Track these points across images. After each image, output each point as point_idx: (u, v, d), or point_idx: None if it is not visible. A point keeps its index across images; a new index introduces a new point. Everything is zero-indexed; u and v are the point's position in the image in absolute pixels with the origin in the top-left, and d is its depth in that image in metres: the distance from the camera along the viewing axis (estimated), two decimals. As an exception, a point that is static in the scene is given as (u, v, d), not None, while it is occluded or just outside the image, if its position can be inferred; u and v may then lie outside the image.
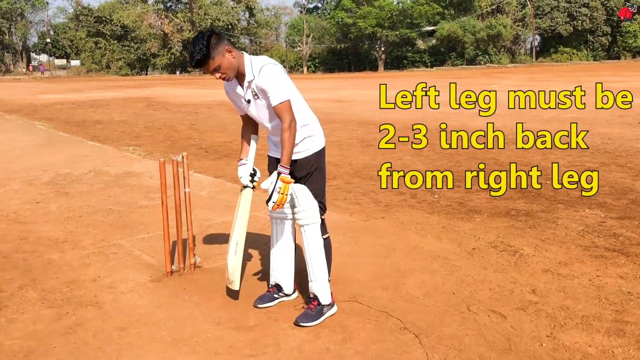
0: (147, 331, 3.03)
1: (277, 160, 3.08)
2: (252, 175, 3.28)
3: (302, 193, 3.07)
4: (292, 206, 3.20)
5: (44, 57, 76.44)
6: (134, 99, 21.85)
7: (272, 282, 3.38)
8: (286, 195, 2.91)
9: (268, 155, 3.32)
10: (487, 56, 53.09)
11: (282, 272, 3.33)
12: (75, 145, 10.09)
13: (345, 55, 59.32)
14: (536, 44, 57.34)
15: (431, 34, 56.22)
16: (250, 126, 3.32)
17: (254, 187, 3.30)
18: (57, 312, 3.28)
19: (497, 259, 3.92)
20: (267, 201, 2.93)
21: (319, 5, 74.10)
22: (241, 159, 3.32)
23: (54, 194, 6.27)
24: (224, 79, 2.99)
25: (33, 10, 71.90)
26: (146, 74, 62.16)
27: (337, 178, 6.70)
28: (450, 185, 6.15)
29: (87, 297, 3.50)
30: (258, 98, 3.03)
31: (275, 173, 2.98)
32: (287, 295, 3.36)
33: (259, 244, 4.42)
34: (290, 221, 3.28)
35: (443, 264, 3.86)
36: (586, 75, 29.41)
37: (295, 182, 3.15)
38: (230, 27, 58.04)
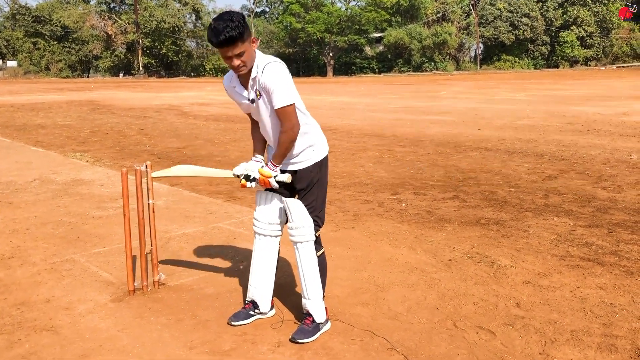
0: (113, 358, 2.75)
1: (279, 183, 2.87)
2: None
3: (296, 209, 2.87)
4: (283, 223, 3.01)
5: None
6: (78, 102, 21.01)
7: (248, 298, 3.16)
8: (267, 186, 2.86)
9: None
10: (433, 63, 54.11)
11: (261, 289, 3.11)
12: (17, 151, 9.51)
13: (294, 60, 59.18)
14: (480, 52, 58.87)
15: (379, 40, 56.86)
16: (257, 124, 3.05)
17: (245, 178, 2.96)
18: (8, 339, 2.95)
19: (475, 270, 3.82)
20: (246, 179, 2.88)
21: (267, 9, 73.82)
22: (255, 156, 3.05)
23: (-4, 205, 5.81)
24: (239, 68, 2.70)
25: (-34, 8, 68.50)
26: (88, 76, 60.20)
27: (300, 186, 6.51)
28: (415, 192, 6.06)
29: (41, 320, 3.17)
30: (261, 97, 2.79)
31: (255, 163, 2.92)
32: (262, 313, 3.14)
33: (227, 258, 4.18)
34: (276, 238, 3.08)
35: (421, 277, 3.73)
36: (530, 83, 30.35)
37: (294, 194, 2.97)
38: (176, 29, 56.94)
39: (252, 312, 3.12)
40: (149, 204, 3.55)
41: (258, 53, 2.79)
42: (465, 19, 56.20)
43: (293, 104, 2.75)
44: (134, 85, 39.08)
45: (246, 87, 2.83)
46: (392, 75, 50.93)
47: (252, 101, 2.84)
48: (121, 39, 56.51)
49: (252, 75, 2.77)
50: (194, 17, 61.41)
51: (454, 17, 55.34)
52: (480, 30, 56.10)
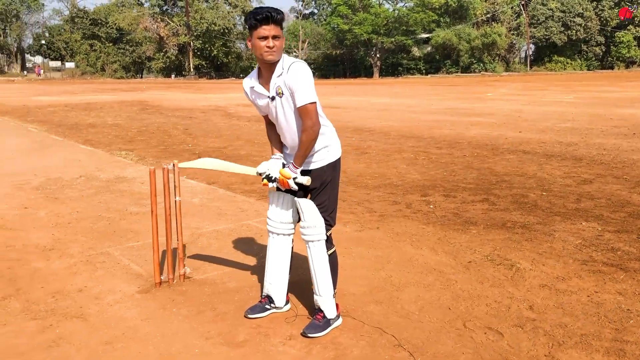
0: (134, 346, 2.93)
1: (300, 173, 2.98)
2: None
3: (308, 209, 2.98)
4: (295, 221, 3.12)
5: (38, 59, 76.07)
6: (128, 103, 21.72)
7: (264, 293, 3.30)
8: (286, 187, 2.96)
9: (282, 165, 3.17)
10: (481, 64, 53.30)
11: (276, 285, 3.24)
12: (67, 149, 9.97)
13: (340, 61, 59.40)
14: (530, 52, 57.58)
15: (426, 41, 56.40)
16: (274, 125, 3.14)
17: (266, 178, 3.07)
18: (41, 324, 3.18)
19: (494, 272, 3.84)
20: (267, 179, 3.00)
21: (315, 11, 74.26)
22: (274, 154, 3.16)
23: (43, 199, 6.15)
24: (271, 51, 2.78)
25: (28, 12, 71.64)
26: (141, 77, 61.97)
27: (331, 186, 6.61)
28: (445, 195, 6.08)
29: (73, 308, 3.39)
30: (283, 96, 2.88)
31: (275, 161, 3.02)
32: (278, 307, 3.27)
33: (253, 254, 4.32)
34: (289, 237, 3.20)
35: (438, 278, 3.78)
36: (581, 85, 29.53)
37: (307, 194, 3.07)
38: (226, 31, 57.99)
39: (267, 306, 3.25)
40: (175, 201, 3.73)
41: (284, 55, 2.91)
42: (516, 20, 55.07)
43: (315, 103, 2.84)
44: (184, 86, 40.04)
45: (265, 85, 2.94)
46: (440, 77, 50.45)
47: (272, 99, 2.93)
48: (173, 40, 57.97)
49: (277, 74, 2.87)
50: (243, 19, 62.36)
51: (504, 17, 54.32)
52: (531, 31, 54.89)
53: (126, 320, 3.24)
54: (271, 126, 3.15)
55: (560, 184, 6.51)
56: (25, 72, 69.93)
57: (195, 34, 56.98)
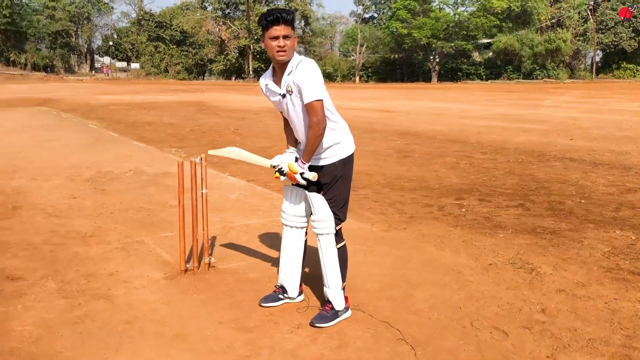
0: (151, 326, 3.11)
1: (311, 168, 3.09)
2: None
3: (319, 203, 3.08)
4: (307, 215, 3.23)
5: (106, 60, 79.35)
6: (187, 103, 22.40)
7: (278, 283, 3.42)
8: (294, 180, 3.06)
9: None
10: (544, 71, 51.85)
11: (289, 276, 3.36)
12: (121, 145, 10.44)
13: (398, 65, 59.13)
14: (597, 59, 55.53)
15: (487, 46, 55.36)
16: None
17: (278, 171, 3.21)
18: (70, 303, 3.41)
19: (512, 276, 3.83)
20: (279, 172, 3.13)
21: (375, 15, 74.17)
22: (288, 148, 3.29)
23: (91, 191, 6.50)
24: (282, 50, 2.91)
25: (99, 15, 74.90)
26: (203, 79, 63.63)
27: (366, 187, 6.69)
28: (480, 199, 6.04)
29: (101, 290, 3.62)
30: (292, 94, 3.00)
31: (288, 155, 3.13)
32: (291, 298, 3.38)
33: (277, 248, 4.46)
34: (302, 230, 3.31)
35: (455, 278, 3.80)
36: (647, 93, 28.31)
37: (319, 189, 3.16)
38: (285, 35, 58.69)
39: (281, 296, 3.37)
40: (202, 193, 3.91)
41: (295, 54, 3.03)
42: (582, 25, 53.20)
43: (321, 100, 2.93)
44: (243, 88, 40.88)
45: (278, 83, 3.07)
46: (500, 82, 49.43)
47: (283, 96, 3.05)
48: (234, 43, 59.29)
49: (287, 72, 2.99)
50: (302, 23, 63.04)
51: (569, 22, 52.59)
52: (598, 37, 52.92)
53: (148, 303, 3.43)
54: (287, 122, 3.27)
55: (601, 192, 6.35)
56: (93, 72, 73.07)
57: (255, 37, 58.03)
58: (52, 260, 4.16)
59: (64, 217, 5.39)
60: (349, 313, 3.21)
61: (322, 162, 3.11)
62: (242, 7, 61.64)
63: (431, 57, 55.11)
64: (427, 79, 55.81)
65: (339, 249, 3.15)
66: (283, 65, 2.98)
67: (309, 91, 2.90)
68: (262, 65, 60.14)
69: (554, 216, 5.35)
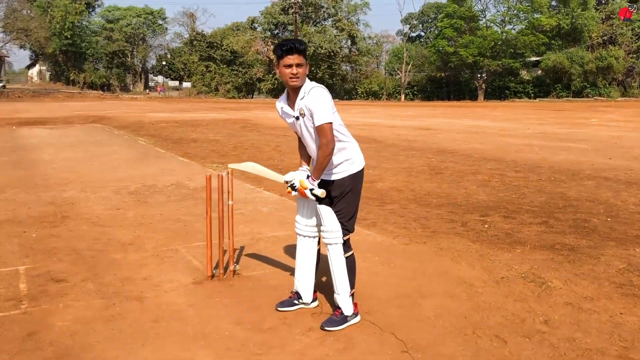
0: (175, 325, 3.40)
1: (323, 182, 3.37)
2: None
3: (327, 215, 3.33)
4: (319, 225, 3.48)
5: (160, 79, 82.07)
6: (233, 121, 23.05)
7: (294, 289, 3.67)
8: (304, 195, 3.26)
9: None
10: (595, 89, 50.63)
11: (303, 282, 3.60)
12: (166, 160, 10.95)
13: (445, 83, 58.86)
14: (653, 77, 53.83)
15: (536, 64, 54.51)
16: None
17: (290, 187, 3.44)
18: (106, 303, 3.74)
19: (522, 289, 3.95)
20: (291, 187, 3.34)
21: (422, 33, 74.23)
22: (302, 166, 3.55)
23: (134, 203, 6.93)
24: (295, 77, 3.21)
25: (153, 35, 77.75)
26: (251, 98, 64.94)
27: (394, 203, 6.88)
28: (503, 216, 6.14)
29: (134, 292, 3.94)
30: (304, 117, 3.28)
31: (301, 173, 3.34)
32: (305, 303, 3.62)
33: (293, 257, 4.70)
34: (314, 239, 3.56)
35: (466, 290, 3.96)
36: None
37: (329, 201, 3.40)
38: (332, 54, 59.50)
39: (295, 302, 3.62)
40: (229, 205, 4.21)
41: (307, 80, 3.31)
42: (636, 42, 51.75)
43: (330, 123, 3.21)
44: (288, 106, 41.44)
45: (292, 106, 3.35)
46: (548, 101, 48.54)
47: (297, 118, 3.34)
48: (281, 63, 60.29)
49: (300, 97, 3.28)
50: (349, 42, 63.73)
51: (622, 39, 51.27)
52: (653, 54, 51.36)
53: (175, 304, 3.73)
54: (300, 141, 3.54)
55: (630, 211, 6.34)
56: (147, 90, 75.65)
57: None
58: (92, 265, 4.53)
59: (107, 226, 5.79)
60: (357, 318, 3.42)
61: (332, 177, 3.37)
62: (290, 28, 62.83)
63: (478, 76, 54.66)
64: (473, 97, 55.32)
65: (347, 257, 3.37)
66: (296, 89, 3.27)
67: (319, 115, 3.17)
68: (309, 84, 60.88)
69: (576, 233, 5.41)
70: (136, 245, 5.10)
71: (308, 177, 3.37)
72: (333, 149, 3.22)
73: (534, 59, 53.03)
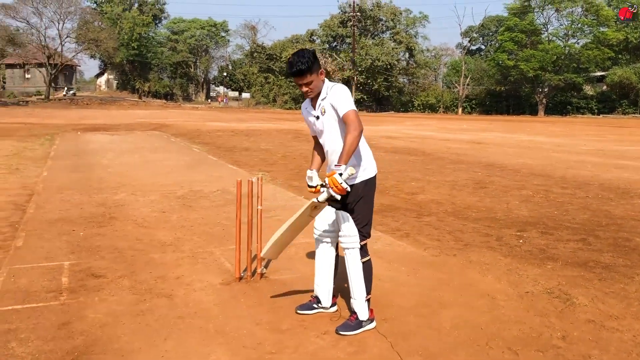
0: (198, 322, 3.57)
1: None
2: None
3: (345, 221, 3.43)
4: (337, 232, 3.58)
5: (221, 89, 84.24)
6: (286, 131, 23.42)
7: (314, 293, 3.77)
8: (338, 186, 3.14)
9: (324, 181, 3.68)
10: (665, 105, 48.55)
11: (322, 287, 3.70)
12: (216, 167, 11.30)
13: (504, 97, 57.73)
14: None
15: (600, 79, 52.73)
16: (320, 145, 3.67)
17: (315, 188, 3.58)
18: (138, 299, 3.96)
19: (545, 304, 3.92)
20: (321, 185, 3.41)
21: (483, 47, 73.18)
22: (312, 169, 3.70)
23: (179, 206, 7.21)
24: (308, 93, 3.42)
25: (216, 47, 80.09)
26: (308, 109, 65.56)
27: (432, 215, 6.88)
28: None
29: (166, 290, 4.15)
30: (325, 114, 3.43)
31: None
32: (324, 308, 3.72)
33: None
34: (332, 245, 3.66)
35: (488, 302, 3.95)
36: None
37: (344, 208, 3.50)
38: (389, 66, 59.48)
39: (315, 305, 3.72)
40: (258, 209, 4.37)
41: (326, 81, 3.45)
42: None
43: (355, 110, 3.32)
44: (343, 117, 41.66)
45: (314, 107, 3.51)
46: (613, 117, 46.84)
47: (317, 117, 3.49)
48: (338, 75, 60.80)
49: (322, 97, 3.44)
50: (407, 55, 63.56)
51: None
52: None
53: (201, 303, 3.91)
54: (317, 145, 3.69)
55: (677, 231, 6.11)
56: (209, 100, 77.81)
57: (359, 69, 59.25)
58: (131, 263, 4.78)
59: (151, 227, 6.07)
60: (373, 324, 3.49)
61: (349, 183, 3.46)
62: (348, 40, 63.29)
63: (539, 90, 53.33)
64: (533, 112, 54.02)
65: (363, 263, 3.45)
66: (316, 95, 3.42)
67: (343, 104, 3.31)
68: (365, 97, 61.16)
69: (614, 252, 5.28)
70: (174, 246, 5.33)
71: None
72: (361, 132, 3.30)
73: (598, 73, 51.37)
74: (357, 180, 3.46)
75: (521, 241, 5.66)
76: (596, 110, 51.81)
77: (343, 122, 3.34)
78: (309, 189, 3.68)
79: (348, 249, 3.43)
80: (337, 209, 3.49)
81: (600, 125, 32.83)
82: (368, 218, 3.49)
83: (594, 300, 4.00)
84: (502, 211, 7.16)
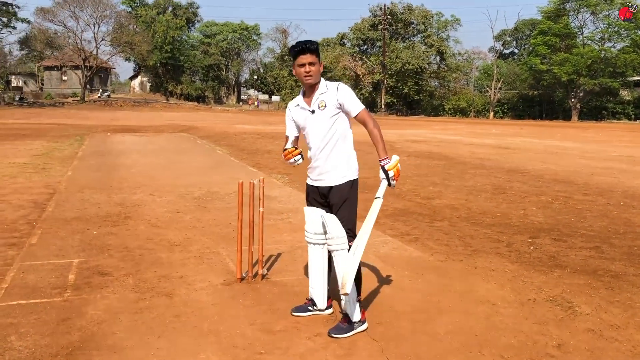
0: (193, 321, 3.62)
1: (316, 189, 3.52)
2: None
3: (331, 223, 3.45)
4: (325, 233, 3.59)
5: (252, 92, 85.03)
6: (311, 134, 23.42)
7: (309, 296, 3.79)
8: (396, 169, 3.39)
9: (307, 184, 3.74)
10: None
11: (317, 289, 3.71)
12: (236, 169, 11.40)
13: (537, 102, 56.76)
14: None
15: (638, 84, 51.41)
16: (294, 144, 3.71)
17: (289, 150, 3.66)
18: (138, 297, 4.03)
19: (546, 312, 3.85)
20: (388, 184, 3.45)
21: (516, 50, 72.16)
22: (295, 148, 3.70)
23: (194, 207, 7.31)
24: (308, 76, 3.43)
25: (247, 50, 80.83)
26: (337, 112, 65.66)
27: (444, 220, 6.82)
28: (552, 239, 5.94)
29: (167, 289, 4.21)
30: (324, 109, 3.47)
31: (381, 172, 3.43)
32: (320, 310, 3.72)
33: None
34: (323, 246, 3.67)
35: (487, 309, 3.90)
36: None
37: (329, 209, 3.54)
38: (419, 70, 59.11)
39: (310, 308, 3.73)
40: (259, 211, 4.40)
41: (323, 79, 3.50)
42: None
43: (366, 109, 3.50)
44: (371, 121, 41.55)
45: (308, 103, 3.53)
46: (650, 123, 45.62)
47: (313, 112, 3.50)
48: (368, 78, 60.74)
49: (321, 91, 3.48)
50: (438, 58, 63.07)
51: None
52: None
53: (200, 302, 3.96)
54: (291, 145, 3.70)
55: (697, 241, 5.93)
56: (240, 103, 78.57)
57: (389, 72, 59.04)
58: (138, 262, 4.87)
59: (163, 227, 6.17)
60: (364, 326, 3.48)
61: (332, 183, 3.50)
62: (378, 44, 63.15)
63: (572, 95, 52.29)
64: (567, 117, 52.97)
65: (353, 264, 3.45)
66: (313, 87, 3.47)
67: (356, 104, 3.44)
68: (394, 100, 60.91)
69: (627, 260, 5.15)
70: (182, 246, 5.40)
71: (382, 167, 3.41)
72: (378, 125, 3.45)
73: (636, 78, 50.07)
74: (344, 181, 3.50)
75: (532, 248, 5.57)
76: (633, 116, 50.55)
77: (358, 121, 3.47)
78: (283, 152, 3.70)
79: (336, 250, 3.44)
80: (325, 211, 3.52)
81: (634, 131, 32.02)
82: (354, 219, 3.52)
83: (596, 309, 3.92)
84: (517, 217, 7.05)
